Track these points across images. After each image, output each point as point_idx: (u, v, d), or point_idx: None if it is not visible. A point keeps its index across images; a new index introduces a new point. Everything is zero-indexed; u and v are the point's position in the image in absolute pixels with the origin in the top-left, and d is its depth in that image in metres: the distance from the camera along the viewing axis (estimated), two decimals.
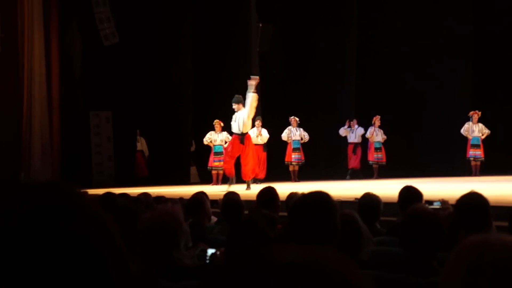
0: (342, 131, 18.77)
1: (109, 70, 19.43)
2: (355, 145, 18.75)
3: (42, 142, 17.59)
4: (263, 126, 17.56)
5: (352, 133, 18.72)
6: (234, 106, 14.29)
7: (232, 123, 14.46)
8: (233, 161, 14.51)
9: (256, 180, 17.03)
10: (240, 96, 14.37)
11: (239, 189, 12.18)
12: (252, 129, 17.39)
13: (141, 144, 19.91)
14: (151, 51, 19.63)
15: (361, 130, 18.68)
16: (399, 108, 19.21)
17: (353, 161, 18.68)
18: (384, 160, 18.47)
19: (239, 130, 14.27)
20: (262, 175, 17.47)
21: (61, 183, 1.04)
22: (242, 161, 14.37)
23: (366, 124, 18.60)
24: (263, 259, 0.91)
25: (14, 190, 1.04)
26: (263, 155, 17.61)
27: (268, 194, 6.08)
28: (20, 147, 17.33)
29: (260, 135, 17.43)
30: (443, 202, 6.03)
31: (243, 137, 14.26)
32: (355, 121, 18.77)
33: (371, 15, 19.98)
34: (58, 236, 0.98)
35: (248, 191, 12.77)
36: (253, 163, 14.58)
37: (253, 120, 17.42)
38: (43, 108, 17.65)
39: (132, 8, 19.58)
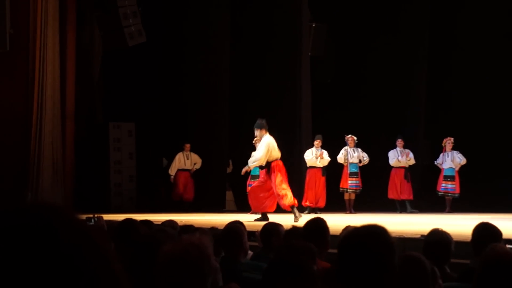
0: (394, 161, 18.38)
1: (133, 74, 19.61)
2: (406, 170, 18.28)
3: (53, 157, 17.74)
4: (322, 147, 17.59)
5: (401, 156, 18.29)
6: (256, 132, 13.96)
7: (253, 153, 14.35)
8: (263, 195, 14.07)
9: (315, 210, 17.08)
10: (264, 120, 14.01)
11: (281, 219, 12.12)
12: (311, 149, 17.42)
13: (190, 162, 19.60)
14: (181, 53, 19.75)
15: (410, 154, 18.25)
16: (475, 129, 18.97)
17: (406, 191, 18.26)
18: (458, 191, 18.02)
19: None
20: (322, 203, 17.56)
21: (56, 206, 1.04)
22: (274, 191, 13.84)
23: (437, 148, 18.36)
24: None
25: None
26: (322, 180, 17.61)
27: (316, 226, 6.06)
28: (28, 162, 17.51)
29: (321, 158, 17.44)
30: None
31: (268, 167, 13.75)
32: (400, 141, 18.31)
33: (446, 21, 19.83)
34: (29, 264, 0.97)
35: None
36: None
37: (313, 139, 17.49)
38: (55, 117, 17.80)
39: (161, 2, 19.76)
